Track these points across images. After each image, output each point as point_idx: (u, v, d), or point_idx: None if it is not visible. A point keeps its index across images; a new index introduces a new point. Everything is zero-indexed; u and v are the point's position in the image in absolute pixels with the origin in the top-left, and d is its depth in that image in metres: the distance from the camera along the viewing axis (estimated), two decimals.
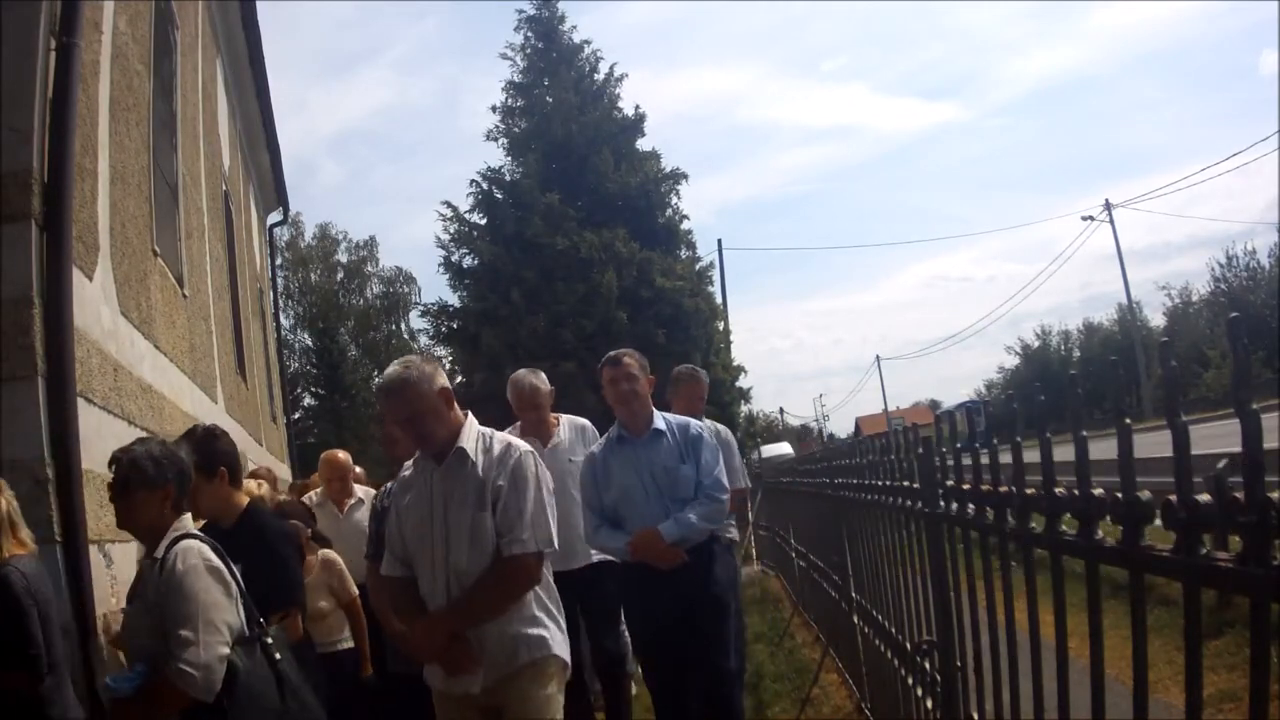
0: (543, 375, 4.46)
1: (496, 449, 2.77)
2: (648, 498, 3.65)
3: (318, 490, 5.30)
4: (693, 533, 3.56)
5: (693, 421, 3.87)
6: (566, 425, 4.50)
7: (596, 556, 4.20)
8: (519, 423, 4.44)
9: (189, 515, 2.71)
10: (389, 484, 3.46)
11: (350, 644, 4.22)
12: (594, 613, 4.35)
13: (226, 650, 2.44)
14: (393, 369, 2.79)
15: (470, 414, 2.86)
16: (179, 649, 2.37)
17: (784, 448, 31.36)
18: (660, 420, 3.78)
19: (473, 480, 2.70)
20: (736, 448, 4.71)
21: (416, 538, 2.75)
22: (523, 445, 2.83)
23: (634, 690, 4.84)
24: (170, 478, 2.60)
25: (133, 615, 2.76)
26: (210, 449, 3.07)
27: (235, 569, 2.62)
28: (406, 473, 2.91)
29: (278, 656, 2.60)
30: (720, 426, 4.71)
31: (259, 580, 2.76)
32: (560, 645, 2.74)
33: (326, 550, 4.21)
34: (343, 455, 5.36)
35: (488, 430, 2.86)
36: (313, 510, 4.54)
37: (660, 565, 3.53)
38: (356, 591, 4.18)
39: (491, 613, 2.64)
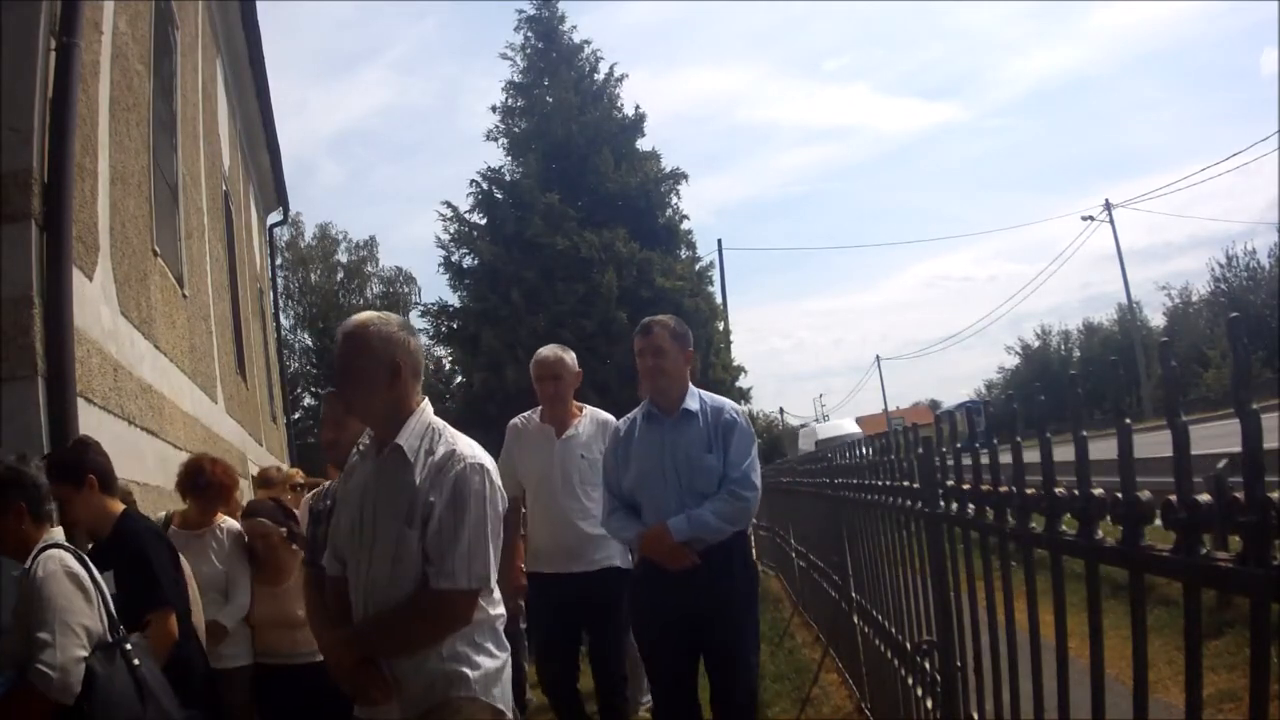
0: (572, 354, 4.07)
1: (439, 453, 2.24)
2: (665, 486, 3.24)
3: (325, 485, 5.25)
4: (707, 532, 3.13)
5: (729, 404, 3.38)
6: (589, 418, 4.02)
7: (604, 561, 3.80)
8: (539, 407, 4.04)
9: (59, 528, 2.78)
10: (328, 483, 3.12)
11: None
12: (596, 625, 3.94)
13: (84, 653, 2.45)
14: (359, 314, 2.42)
15: (427, 404, 2.34)
16: (37, 651, 2.41)
17: (846, 426, 27.22)
18: (695, 400, 3.32)
19: (406, 487, 2.22)
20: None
21: (347, 534, 2.37)
22: (473, 454, 2.27)
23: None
24: (16, 496, 2.63)
25: (8, 625, 2.80)
26: (79, 459, 3.07)
27: (101, 576, 2.63)
28: (354, 458, 2.46)
29: (136, 662, 2.57)
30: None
31: (129, 585, 2.76)
32: (487, 686, 2.25)
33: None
34: (287, 470, 5.28)
35: (440, 426, 2.32)
36: (290, 509, 4.16)
37: (667, 566, 3.16)
38: None
39: (404, 647, 2.22)
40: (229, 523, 3.90)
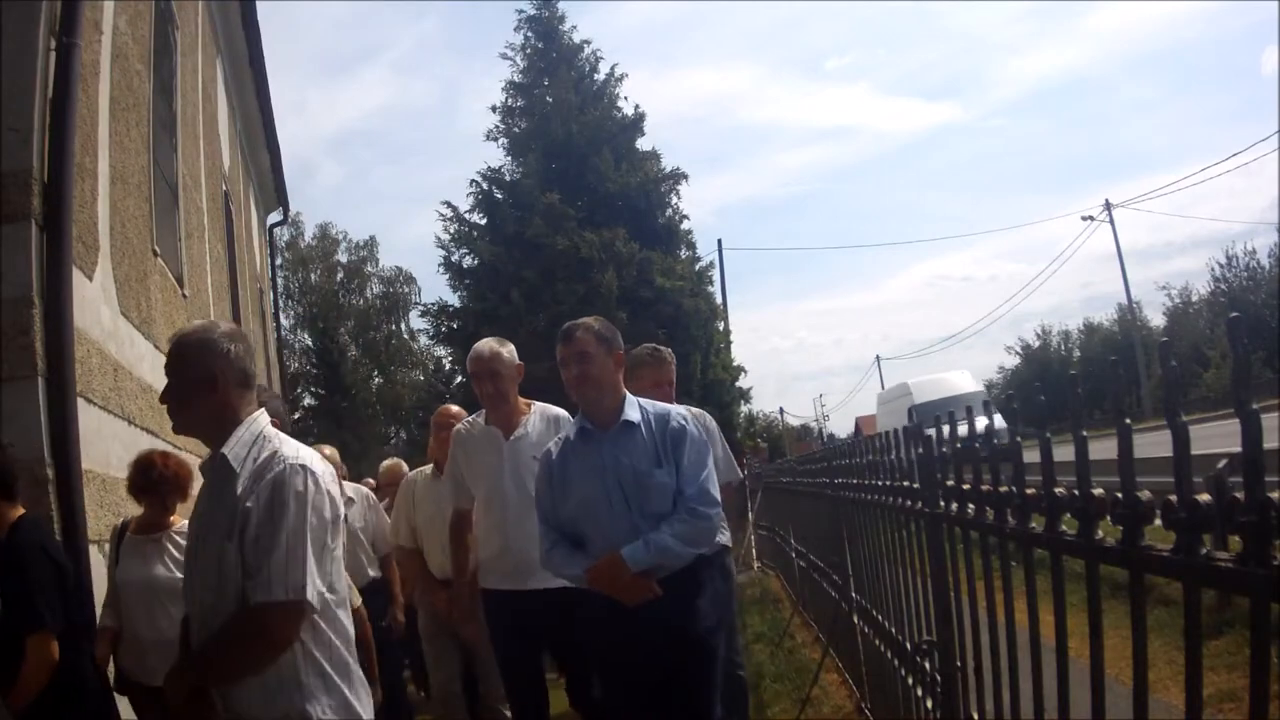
0: (510, 346, 3.69)
1: (261, 456, 2.05)
2: (613, 511, 2.81)
3: None
4: (667, 558, 2.74)
5: (675, 410, 2.99)
6: (538, 415, 3.67)
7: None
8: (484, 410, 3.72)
9: None
10: None
11: None
12: (566, 649, 3.63)
13: None
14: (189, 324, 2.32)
15: (261, 414, 2.17)
16: None
17: (956, 381, 19.62)
18: (634, 409, 2.93)
19: (228, 499, 2.03)
20: (719, 434, 3.97)
21: (188, 560, 2.20)
22: (298, 455, 2.06)
23: None
24: None
25: None
26: None
27: None
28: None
29: None
30: (698, 411, 3.79)
31: (7, 604, 2.64)
32: None
33: None
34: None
35: (272, 434, 2.14)
36: None
37: (624, 601, 2.74)
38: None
39: (230, 674, 2.00)
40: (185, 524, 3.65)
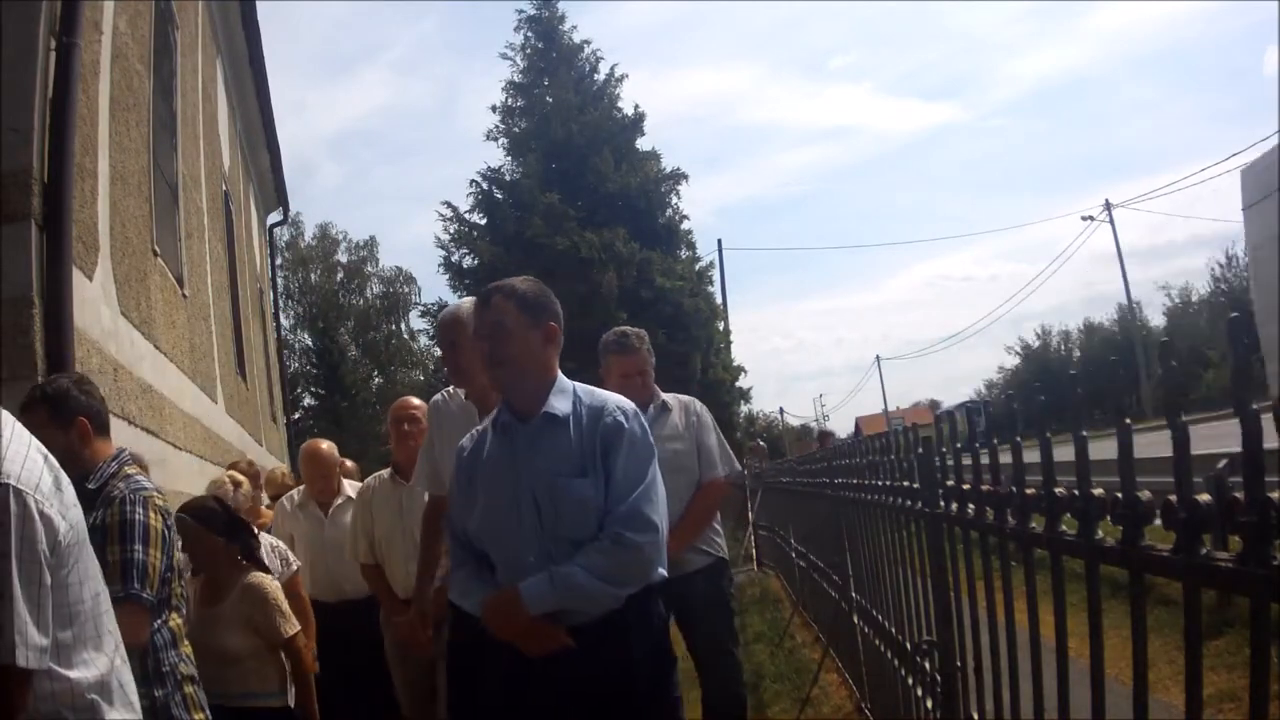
0: (468, 306, 3.04)
1: None
2: (521, 530, 2.19)
3: (299, 489, 4.58)
4: (578, 599, 2.11)
5: (615, 401, 2.30)
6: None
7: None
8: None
9: None
10: None
11: (280, 701, 3.18)
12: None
13: None
14: None
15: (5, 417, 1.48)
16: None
17: None
18: (565, 397, 2.27)
19: None
20: (713, 424, 3.71)
21: None
22: (8, 470, 1.38)
23: None
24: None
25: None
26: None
27: None
28: None
29: None
30: (687, 399, 3.74)
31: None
32: None
33: (258, 574, 3.22)
34: (326, 446, 4.53)
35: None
36: (235, 512, 3.38)
37: (524, 651, 2.14)
38: (294, 628, 3.19)
39: None
40: None
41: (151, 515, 2.37)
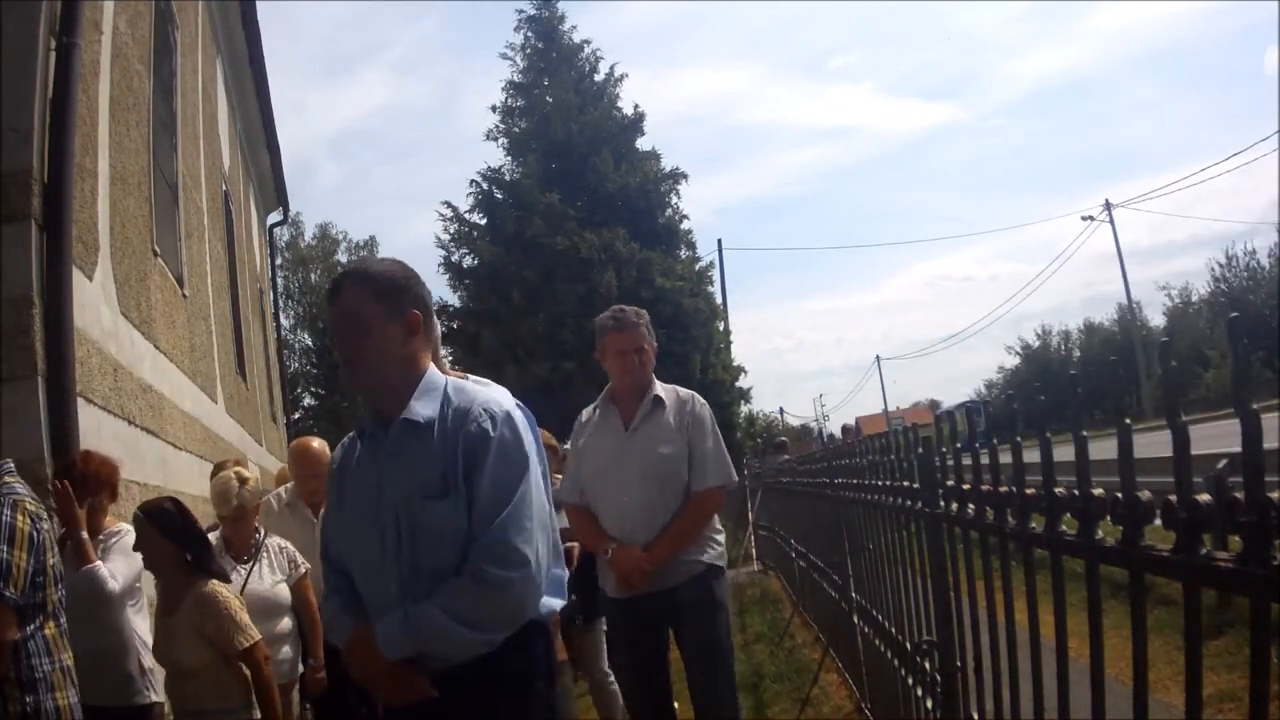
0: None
1: None
2: (383, 556, 1.90)
3: (286, 487, 4.37)
4: (436, 644, 1.83)
5: (482, 400, 1.93)
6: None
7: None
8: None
9: None
10: None
11: (243, 715, 3.01)
12: None
13: None
14: None
15: None
16: None
17: None
18: (429, 399, 1.93)
19: None
20: (712, 426, 3.37)
21: None
22: None
23: None
24: None
25: None
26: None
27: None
28: None
29: None
30: (687, 394, 3.44)
31: None
32: None
33: (215, 583, 3.03)
34: (317, 444, 4.28)
35: None
36: (191, 516, 3.14)
37: (384, 698, 1.98)
38: (251, 640, 2.99)
39: None
40: (124, 528, 3.27)
41: (19, 517, 2.37)
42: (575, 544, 3.95)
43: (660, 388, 3.37)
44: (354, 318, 1.95)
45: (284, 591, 3.74)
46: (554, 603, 1.99)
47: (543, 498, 1.92)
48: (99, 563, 3.08)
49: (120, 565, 3.10)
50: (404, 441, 1.91)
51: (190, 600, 2.97)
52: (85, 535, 3.11)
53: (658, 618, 3.28)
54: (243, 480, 3.81)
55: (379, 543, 1.90)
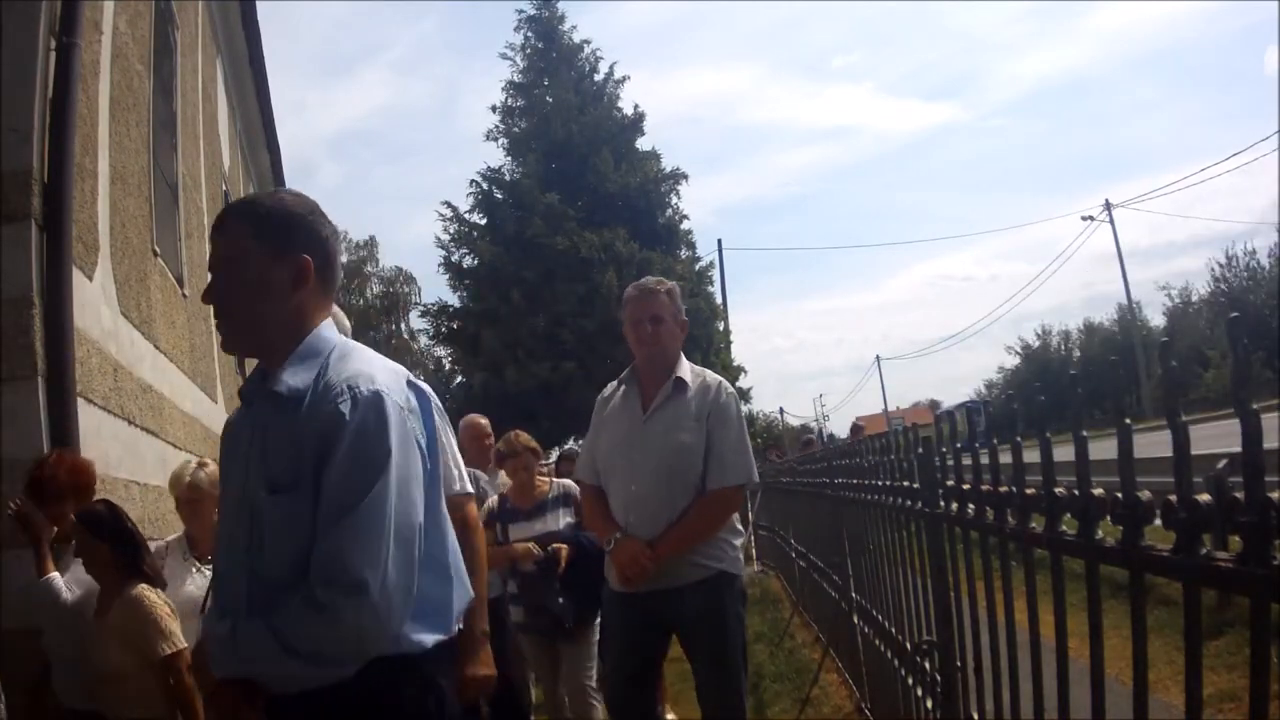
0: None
1: None
2: (233, 555, 1.62)
3: None
4: (262, 668, 1.51)
5: (351, 373, 1.56)
6: None
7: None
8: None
9: None
10: None
11: None
12: None
13: None
14: None
15: None
16: None
17: None
18: (301, 368, 1.59)
19: None
20: (737, 416, 3.08)
21: None
22: None
23: None
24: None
25: None
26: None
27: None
28: None
29: None
30: (715, 379, 3.14)
31: None
32: None
33: (143, 586, 2.90)
34: None
35: None
36: (125, 520, 3.02)
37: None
38: (174, 648, 2.83)
39: None
40: None
41: None
42: (564, 545, 3.92)
43: (687, 369, 3.10)
44: (228, 260, 1.61)
45: None
46: (426, 637, 1.59)
47: (410, 505, 1.52)
48: (55, 574, 3.05)
49: (83, 572, 3.02)
50: (269, 415, 1.58)
51: (117, 603, 2.88)
52: (45, 547, 3.08)
53: (659, 619, 3.02)
54: (201, 464, 3.65)
55: (233, 539, 1.61)
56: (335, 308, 1.84)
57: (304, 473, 1.50)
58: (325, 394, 1.53)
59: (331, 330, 1.65)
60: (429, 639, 1.60)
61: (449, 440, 2.43)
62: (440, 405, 2.43)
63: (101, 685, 2.86)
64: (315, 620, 1.45)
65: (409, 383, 1.64)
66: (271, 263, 1.60)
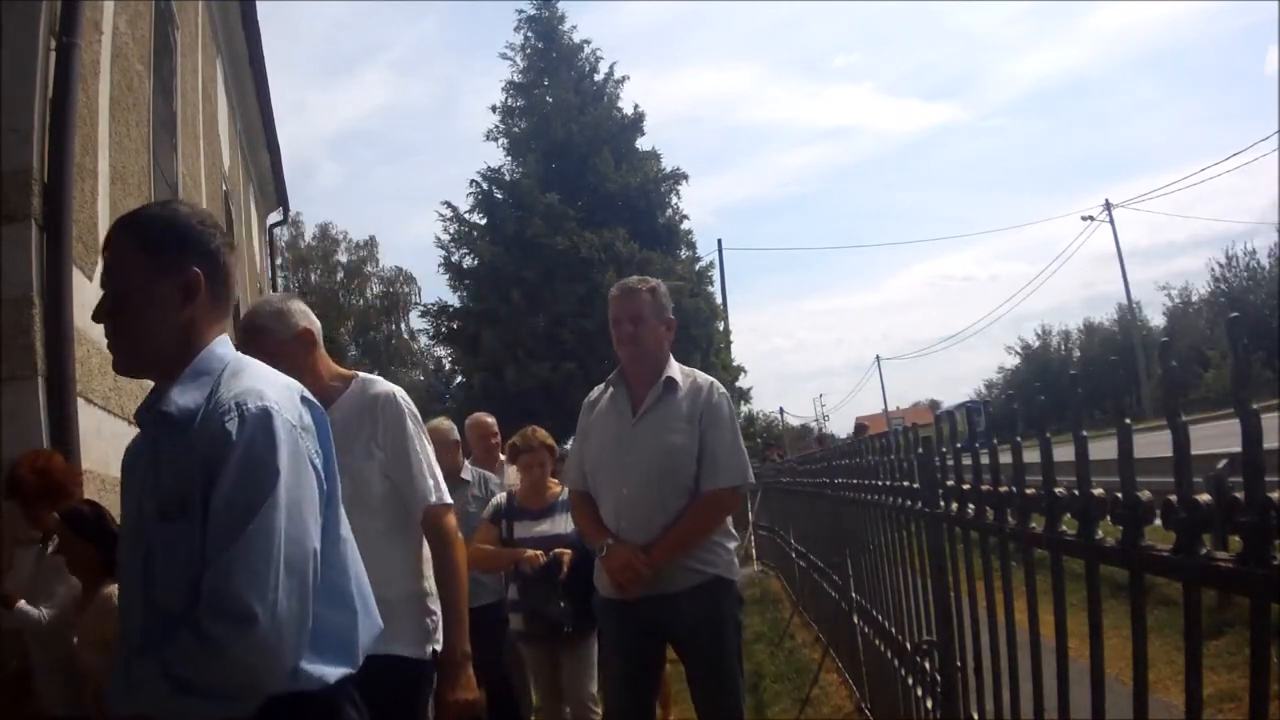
0: (295, 305, 2.46)
1: None
2: (131, 589, 1.53)
3: None
4: (156, 706, 1.42)
5: (241, 389, 1.48)
6: (357, 390, 2.45)
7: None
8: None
9: None
10: None
11: None
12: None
13: None
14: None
15: None
16: None
17: None
18: (193, 384, 1.51)
19: None
20: (730, 417, 2.98)
21: None
22: None
23: None
24: None
25: None
26: None
27: None
28: None
29: None
30: (706, 379, 3.05)
31: None
32: None
33: (115, 586, 2.71)
34: None
35: None
36: (108, 519, 2.97)
37: None
38: None
39: None
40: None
41: None
42: (567, 550, 3.78)
43: (677, 369, 3.02)
44: (114, 274, 1.55)
45: None
46: (329, 670, 1.50)
47: (301, 529, 1.43)
48: (21, 603, 3.02)
49: (59, 587, 3.02)
50: (161, 439, 1.50)
51: (94, 603, 2.87)
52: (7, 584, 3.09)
53: (655, 626, 2.92)
54: None
55: (130, 570, 1.51)
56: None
57: (193, 497, 1.41)
58: (214, 413, 1.44)
59: (225, 347, 1.57)
60: (331, 673, 1.50)
61: (424, 448, 2.37)
62: (415, 411, 2.42)
63: (82, 683, 2.85)
64: (201, 654, 1.35)
65: (303, 399, 1.55)
66: (159, 276, 1.52)
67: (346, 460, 2.17)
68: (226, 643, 1.34)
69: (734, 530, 3.09)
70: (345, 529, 1.61)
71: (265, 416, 1.43)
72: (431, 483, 2.38)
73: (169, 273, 1.52)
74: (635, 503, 2.89)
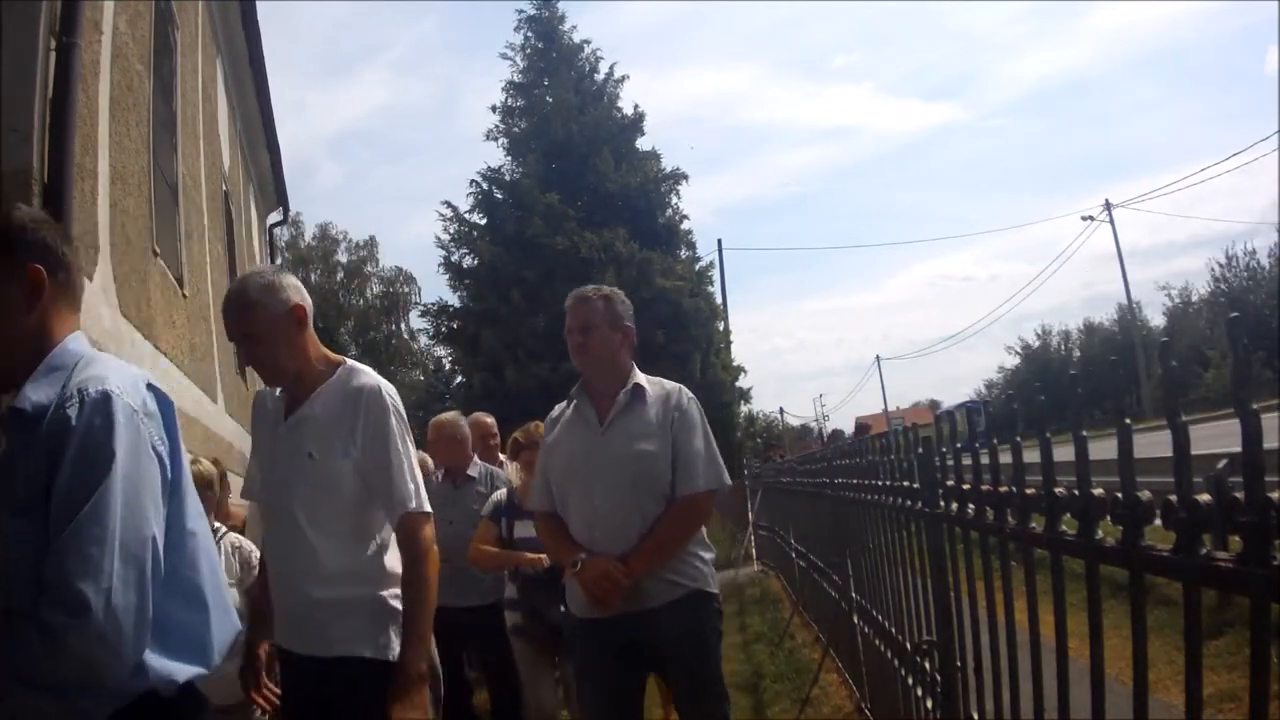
0: (285, 279, 2.42)
1: None
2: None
3: None
4: (12, 706, 1.39)
5: (80, 380, 1.47)
6: (339, 382, 2.40)
7: (343, 647, 2.24)
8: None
9: None
10: None
11: None
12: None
13: None
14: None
15: None
16: None
17: None
18: (45, 381, 1.49)
19: None
20: (701, 423, 2.89)
21: None
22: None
23: None
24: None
25: None
26: None
27: None
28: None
29: None
30: (673, 386, 2.97)
31: None
32: None
33: None
34: None
35: None
36: None
37: None
38: None
39: None
40: None
41: None
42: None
43: (643, 378, 2.94)
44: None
45: (233, 597, 3.43)
46: (178, 669, 1.46)
47: (139, 515, 1.40)
48: None
49: None
50: (16, 437, 1.45)
51: None
52: None
53: (633, 645, 2.76)
54: (194, 460, 3.42)
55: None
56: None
57: (39, 489, 1.38)
58: (60, 403, 1.43)
59: (79, 343, 1.56)
60: (181, 671, 1.47)
61: (406, 449, 2.29)
62: (401, 408, 2.33)
63: None
64: (43, 644, 1.32)
65: (149, 386, 1.54)
66: (1, 278, 1.51)
67: (321, 453, 2.23)
68: (62, 633, 1.31)
69: (709, 542, 2.98)
70: (195, 522, 1.56)
71: (104, 400, 1.42)
72: (411, 487, 2.27)
73: (10, 273, 1.51)
74: (609, 513, 2.76)
